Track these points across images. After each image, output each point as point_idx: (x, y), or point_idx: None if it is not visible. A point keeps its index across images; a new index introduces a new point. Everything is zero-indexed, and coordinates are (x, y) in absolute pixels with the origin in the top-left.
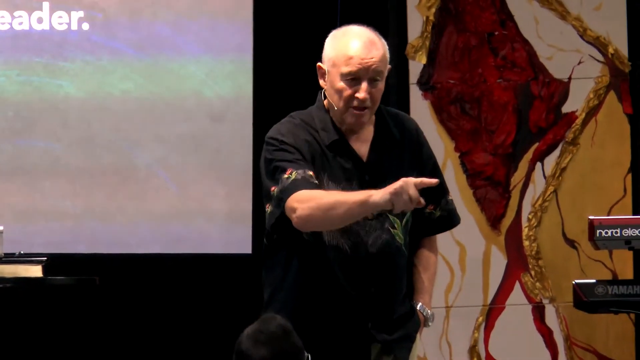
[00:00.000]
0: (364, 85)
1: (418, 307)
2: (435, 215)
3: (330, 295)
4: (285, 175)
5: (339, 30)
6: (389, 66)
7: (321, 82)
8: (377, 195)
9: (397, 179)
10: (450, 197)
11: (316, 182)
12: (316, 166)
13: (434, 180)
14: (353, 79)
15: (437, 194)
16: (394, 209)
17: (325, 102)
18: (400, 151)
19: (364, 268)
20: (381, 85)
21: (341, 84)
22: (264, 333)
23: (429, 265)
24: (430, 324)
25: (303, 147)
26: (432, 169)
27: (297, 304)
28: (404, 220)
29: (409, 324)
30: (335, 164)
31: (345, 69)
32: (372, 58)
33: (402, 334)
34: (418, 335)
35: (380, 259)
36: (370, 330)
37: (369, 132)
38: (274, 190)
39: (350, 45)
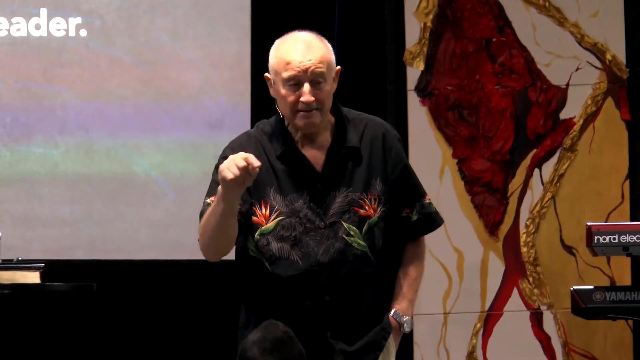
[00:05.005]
0: (306, 88)
1: (392, 314)
2: (412, 218)
3: (286, 307)
4: (208, 201)
5: (281, 38)
6: (338, 67)
7: (271, 91)
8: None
9: (353, 186)
10: (427, 200)
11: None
12: (262, 181)
13: (257, 163)
14: (295, 84)
15: (410, 198)
16: (235, 184)
17: None
18: (359, 158)
19: (316, 277)
20: (326, 86)
21: (284, 91)
22: (269, 340)
23: (410, 270)
24: (407, 330)
25: None
26: (402, 174)
27: (258, 318)
28: (365, 227)
29: (375, 332)
30: (285, 175)
31: (285, 75)
32: (309, 60)
33: (365, 343)
34: (392, 341)
35: (332, 267)
36: (329, 340)
37: (325, 139)
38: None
39: (288, 51)
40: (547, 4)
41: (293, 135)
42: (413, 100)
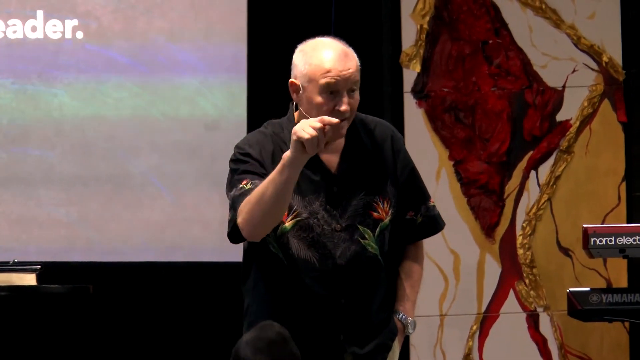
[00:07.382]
0: (345, 97)
1: (397, 315)
2: (417, 221)
3: (300, 308)
4: (241, 185)
5: (306, 44)
6: None
7: (294, 97)
8: (287, 151)
9: (367, 189)
10: (431, 203)
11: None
12: None
13: (335, 120)
14: (331, 92)
15: (416, 200)
16: (311, 144)
17: (296, 114)
18: (372, 160)
19: (332, 280)
20: (357, 94)
21: (320, 99)
22: (263, 340)
23: (412, 272)
24: (410, 331)
25: (267, 160)
26: (410, 176)
27: (269, 317)
28: (377, 230)
29: (383, 334)
30: (303, 177)
31: (324, 82)
32: (349, 69)
33: (375, 345)
34: (397, 343)
35: (349, 270)
36: (342, 343)
37: (339, 142)
38: (230, 198)
39: (326, 58)
40: (543, 6)
41: None
42: (409, 102)
